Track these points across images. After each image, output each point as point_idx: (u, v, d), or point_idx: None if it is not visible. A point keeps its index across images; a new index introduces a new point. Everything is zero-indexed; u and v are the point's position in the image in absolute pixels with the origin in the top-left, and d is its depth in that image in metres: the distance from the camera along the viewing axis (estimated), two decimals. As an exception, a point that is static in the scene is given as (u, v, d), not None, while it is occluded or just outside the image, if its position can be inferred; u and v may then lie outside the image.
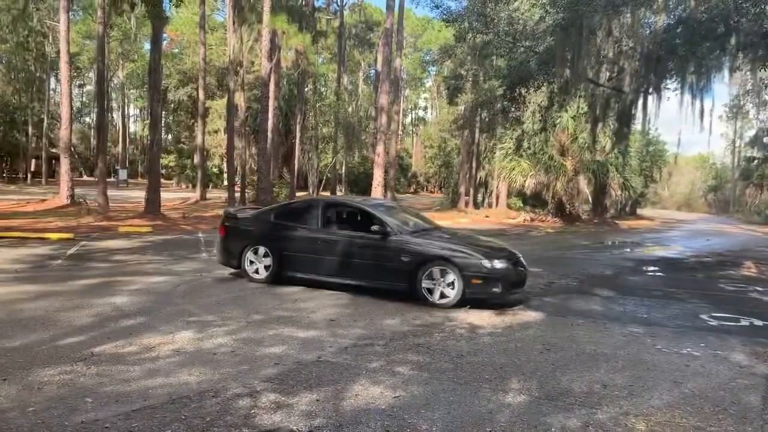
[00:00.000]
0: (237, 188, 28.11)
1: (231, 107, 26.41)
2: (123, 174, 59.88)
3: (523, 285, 9.60)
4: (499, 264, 8.95)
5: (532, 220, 29.21)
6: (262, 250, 9.88)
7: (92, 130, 79.07)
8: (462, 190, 38.54)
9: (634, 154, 33.82)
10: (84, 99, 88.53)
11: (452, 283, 8.81)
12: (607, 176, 28.96)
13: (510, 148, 29.97)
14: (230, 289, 9.40)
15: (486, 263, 8.85)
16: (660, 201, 53.90)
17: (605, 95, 16.18)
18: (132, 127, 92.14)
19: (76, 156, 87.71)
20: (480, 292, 8.83)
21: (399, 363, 5.83)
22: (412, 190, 77.10)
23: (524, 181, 29.03)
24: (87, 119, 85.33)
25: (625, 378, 5.71)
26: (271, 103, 25.06)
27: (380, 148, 29.94)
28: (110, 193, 42.45)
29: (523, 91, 17.64)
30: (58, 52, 55.36)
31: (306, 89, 41.63)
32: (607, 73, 16.25)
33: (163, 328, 6.69)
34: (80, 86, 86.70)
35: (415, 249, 9.06)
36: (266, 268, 9.83)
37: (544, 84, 17.26)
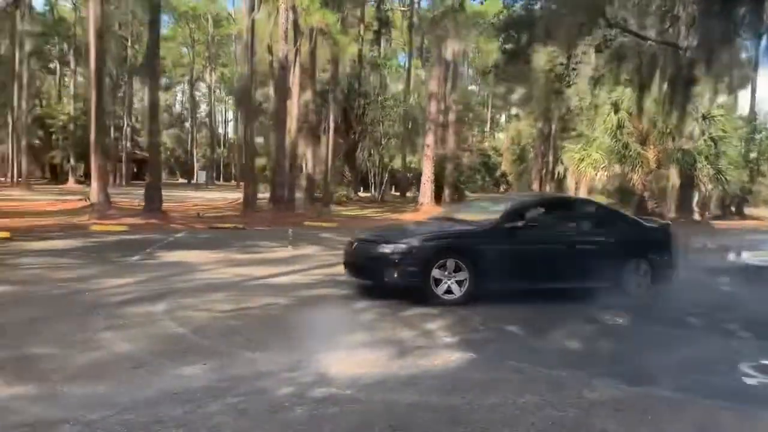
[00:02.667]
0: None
1: (246, 93, 24.15)
2: (203, 176, 60.31)
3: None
4: None
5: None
6: None
7: (189, 135, 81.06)
8: (535, 187, 34.54)
9: (736, 142, 28.37)
10: (184, 105, 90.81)
11: None
12: (694, 167, 24.18)
13: (583, 135, 25.65)
14: (76, 305, 6.92)
15: None
16: (781, 199, 46.60)
17: (651, 52, 12.26)
18: (231, 132, 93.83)
19: (172, 159, 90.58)
20: None
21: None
22: (502, 189, 72.78)
23: (595, 174, 24.84)
24: (186, 124, 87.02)
25: None
26: (296, 91, 22.72)
27: (429, 139, 26.86)
28: (181, 193, 42.13)
29: (524, 40, 13.47)
30: (136, 56, 56.68)
31: (368, 83, 39.19)
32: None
33: None
34: (181, 93, 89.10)
35: None
36: None
37: (553, 37, 13.22)
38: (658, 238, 9.35)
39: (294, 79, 22.64)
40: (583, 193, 31.24)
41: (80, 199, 22.89)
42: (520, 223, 8.20)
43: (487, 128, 73.40)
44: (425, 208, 26.29)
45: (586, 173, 25.07)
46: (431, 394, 4.58)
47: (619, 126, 23.94)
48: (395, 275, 7.67)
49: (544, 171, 35.18)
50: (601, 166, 24.47)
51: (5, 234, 13.38)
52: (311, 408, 4.20)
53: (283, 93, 22.22)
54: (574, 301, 8.43)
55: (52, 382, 4.50)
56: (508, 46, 13.64)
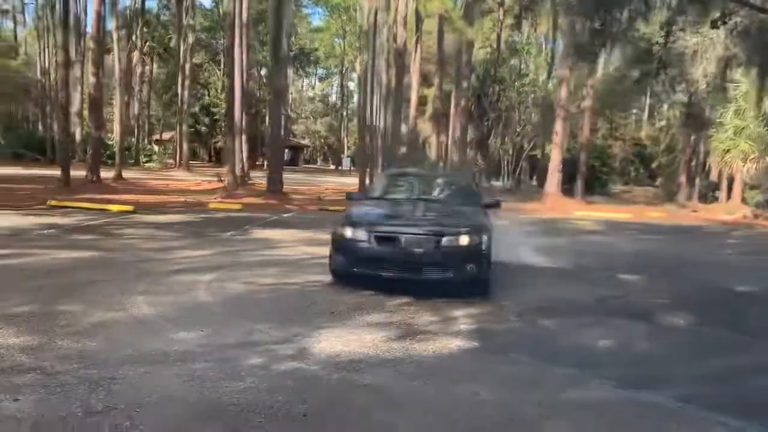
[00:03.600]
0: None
1: (366, 79, 24.49)
2: (346, 162, 62.33)
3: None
4: None
5: (756, 217, 22.36)
6: None
7: (341, 124, 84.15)
8: (683, 179, 31.73)
9: None
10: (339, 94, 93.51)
11: None
12: None
13: (728, 123, 22.89)
14: (134, 272, 7.60)
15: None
16: None
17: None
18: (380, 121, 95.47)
19: (326, 147, 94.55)
20: None
21: None
22: (657, 183, 67.77)
23: (743, 165, 22.20)
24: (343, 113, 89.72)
25: None
26: (416, 78, 22.67)
27: (559, 126, 25.61)
28: (322, 178, 44.06)
29: (618, 17, 11.62)
30: (291, 47, 59.69)
31: (505, 69, 38.16)
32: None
33: None
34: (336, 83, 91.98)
35: None
36: None
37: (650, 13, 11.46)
38: None
39: (414, 65, 22.67)
40: (737, 189, 28.19)
41: (218, 180, 24.69)
42: (488, 201, 8.44)
43: (645, 116, 68.46)
44: (551, 200, 25.20)
45: (733, 165, 22.56)
46: (396, 379, 4.44)
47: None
48: (470, 268, 7.08)
49: (694, 162, 32.20)
50: (750, 157, 21.89)
51: (129, 208, 14.84)
52: (262, 380, 4.25)
53: (400, 80, 22.35)
54: (643, 295, 7.79)
55: (54, 336, 4.96)
56: (597, 25, 12.29)
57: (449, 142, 27.13)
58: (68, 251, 8.95)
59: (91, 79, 21.40)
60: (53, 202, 14.83)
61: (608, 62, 31.45)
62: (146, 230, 11.82)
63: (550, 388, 4.41)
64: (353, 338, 5.36)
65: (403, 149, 22.48)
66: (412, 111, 22.77)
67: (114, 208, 14.64)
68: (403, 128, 22.92)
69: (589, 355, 5.34)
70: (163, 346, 4.86)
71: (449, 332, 5.73)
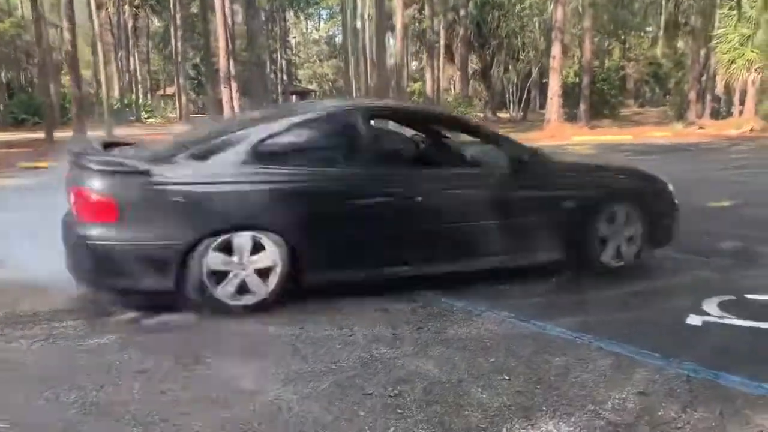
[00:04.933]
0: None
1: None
2: (352, 104, 61.55)
3: None
4: None
5: (763, 129, 21.42)
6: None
7: (347, 65, 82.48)
8: (692, 96, 30.50)
9: None
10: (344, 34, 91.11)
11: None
12: None
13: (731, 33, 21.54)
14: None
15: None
16: None
17: None
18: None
19: (334, 90, 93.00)
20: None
21: None
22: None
23: (749, 76, 21.06)
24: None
25: None
26: (400, 8, 21.66)
27: (556, 50, 24.56)
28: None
29: None
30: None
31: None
32: None
33: None
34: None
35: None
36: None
37: None
38: None
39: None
40: (749, 102, 27.04)
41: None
42: None
43: (660, 33, 65.82)
44: (551, 127, 24.44)
45: (738, 75, 21.45)
46: (274, 324, 4.12)
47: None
48: None
49: (704, 78, 30.91)
50: (755, 67, 20.74)
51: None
52: (123, 334, 3.99)
53: (381, 9, 21.35)
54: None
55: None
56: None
57: (438, 74, 26.25)
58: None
59: (67, 36, 20.90)
60: (24, 164, 14.64)
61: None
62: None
63: (437, 325, 4.08)
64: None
65: (392, 84, 21.74)
66: (398, 43, 21.90)
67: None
68: (390, 62, 22.15)
69: (500, 289, 4.91)
70: (40, 308, 4.59)
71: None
